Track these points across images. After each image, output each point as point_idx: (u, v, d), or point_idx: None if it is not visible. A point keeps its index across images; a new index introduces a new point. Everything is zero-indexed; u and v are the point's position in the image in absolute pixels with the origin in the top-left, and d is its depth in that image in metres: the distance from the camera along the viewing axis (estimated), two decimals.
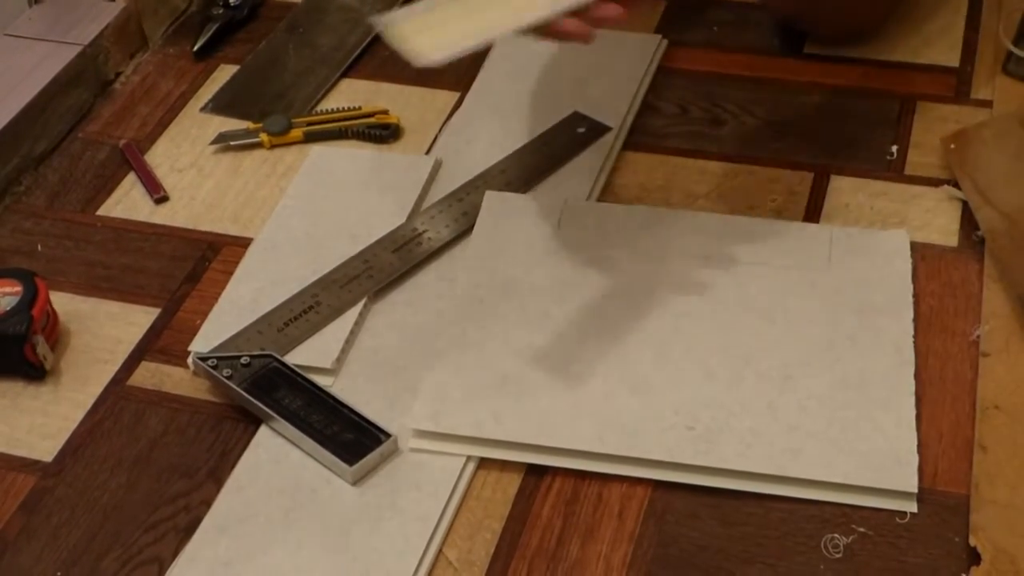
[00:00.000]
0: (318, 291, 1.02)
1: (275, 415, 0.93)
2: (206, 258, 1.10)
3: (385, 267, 1.04)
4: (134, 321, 1.05)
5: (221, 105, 1.27)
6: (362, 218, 1.10)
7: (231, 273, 1.06)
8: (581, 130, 1.17)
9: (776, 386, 0.93)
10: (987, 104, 1.19)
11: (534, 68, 1.25)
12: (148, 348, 1.02)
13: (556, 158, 1.14)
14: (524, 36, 0.93)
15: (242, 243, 1.10)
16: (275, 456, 0.93)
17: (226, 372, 0.96)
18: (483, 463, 0.92)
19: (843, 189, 1.11)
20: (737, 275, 1.02)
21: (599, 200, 1.11)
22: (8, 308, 0.99)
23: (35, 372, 1.00)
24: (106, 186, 1.19)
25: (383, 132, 1.20)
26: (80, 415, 0.98)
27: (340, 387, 0.96)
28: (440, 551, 0.87)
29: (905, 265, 1.02)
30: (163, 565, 0.87)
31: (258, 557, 0.86)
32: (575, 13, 0.91)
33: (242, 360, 0.97)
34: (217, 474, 0.92)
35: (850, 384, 0.93)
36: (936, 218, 1.08)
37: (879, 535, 0.86)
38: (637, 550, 0.86)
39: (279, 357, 0.97)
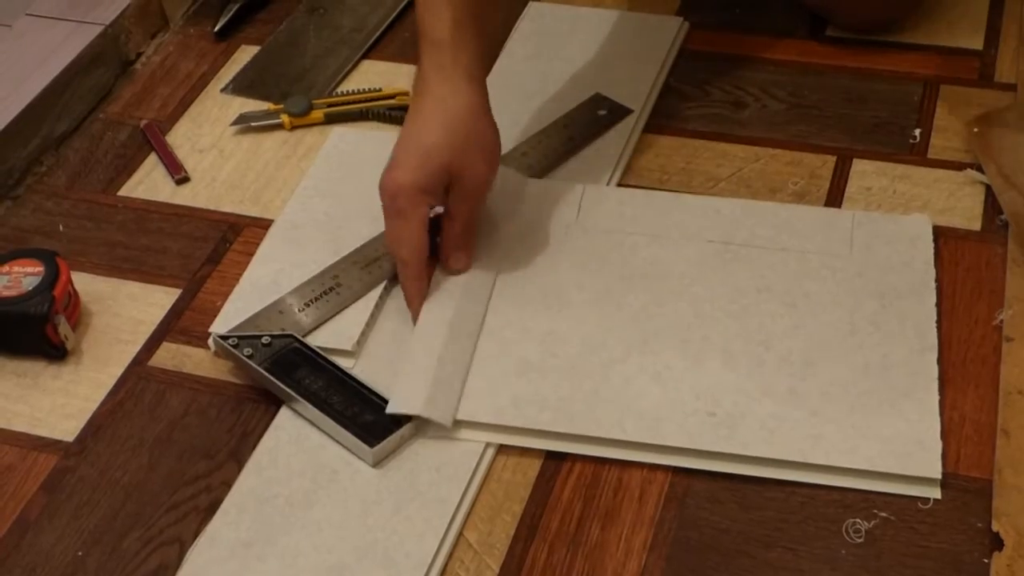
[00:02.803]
0: (339, 272, 1.02)
1: (296, 396, 0.93)
2: (227, 239, 1.10)
3: None
4: (155, 302, 1.05)
5: (242, 86, 1.27)
6: None
7: (252, 254, 1.06)
8: (602, 112, 1.16)
9: (798, 371, 0.93)
10: (1011, 87, 1.19)
11: (555, 50, 1.25)
12: (169, 329, 1.02)
13: (577, 140, 1.14)
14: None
15: (263, 224, 1.10)
16: (296, 437, 0.93)
17: (247, 352, 0.96)
18: (503, 446, 0.92)
19: (866, 173, 1.11)
20: (758, 260, 1.01)
21: (620, 183, 1.11)
22: (30, 288, 0.99)
23: (56, 352, 1.00)
24: (127, 167, 1.19)
25: (403, 113, 1.18)
26: (101, 395, 0.98)
27: (361, 369, 0.96)
28: (460, 534, 0.87)
29: (928, 249, 1.01)
30: (184, 545, 0.87)
31: (278, 538, 0.86)
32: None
33: (263, 340, 0.97)
34: (238, 455, 0.92)
35: (872, 369, 0.93)
36: (959, 202, 1.07)
37: (901, 520, 0.85)
38: (658, 534, 0.86)
39: (300, 338, 0.97)
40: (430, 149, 0.96)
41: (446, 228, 0.99)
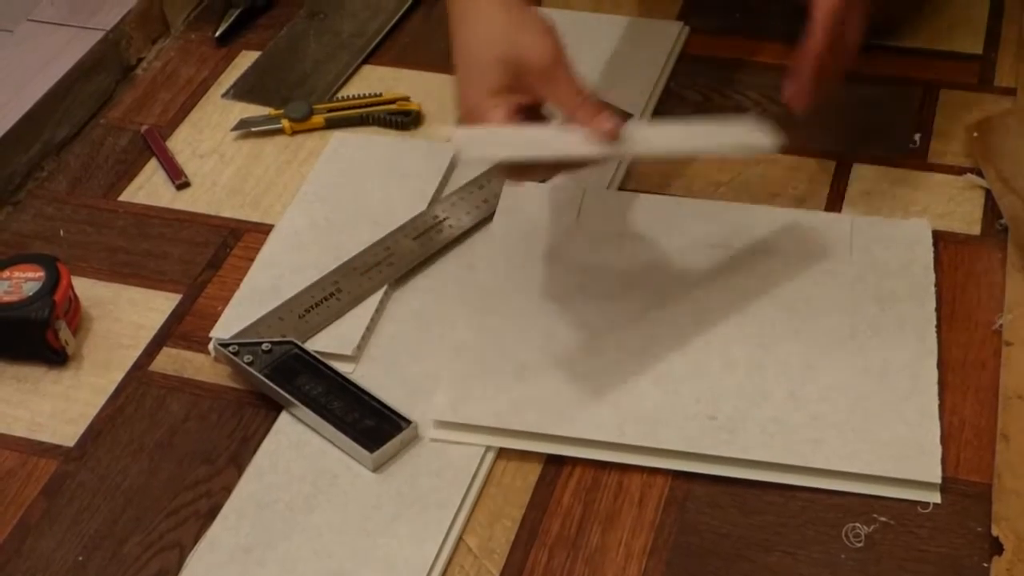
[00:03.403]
0: (339, 278, 1.03)
1: (296, 402, 0.93)
2: (227, 244, 1.10)
3: (406, 254, 1.04)
4: (155, 307, 1.05)
5: (243, 91, 1.27)
6: (383, 205, 1.10)
7: (252, 259, 1.07)
8: None
9: (798, 375, 0.93)
10: (1011, 92, 1.19)
11: None
12: (169, 334, 1.02)
13: None
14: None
15: (263, 229, 1.10)
16: (296, 442, 0.93)
17: (247, 358, 0.96)
18: (503, 451, 0.92)
19: (866, 177, 1.11)
20: (758, 264, 1.01)
21: (621, 187, 1.11)
22: (30, 293, 0.99)
23: (57, 357, 1.00)
24: (128, 172, 1.19)
25: (404, 119, 1.20)
26: (102, 400, 0.98)
27: (360, 374, 0.97)
28: (460, 539, 0.87)
29: (927, 254, 1.01)
30: (184, 551, 0.87)
31: (279, 543, 0.87)
32: None
33: (263, 346, 0.97)
34: (238, 460, 0.93)
35: (872, 374, 0.93)
36: (959, 206, 1.07)
37: (900, 524, 0.85)
38: (658, 538, 0.86)
39: (300, 344, 0.97)
40: (475, 52, 0.89)
41: (567, 121, 0.89)
